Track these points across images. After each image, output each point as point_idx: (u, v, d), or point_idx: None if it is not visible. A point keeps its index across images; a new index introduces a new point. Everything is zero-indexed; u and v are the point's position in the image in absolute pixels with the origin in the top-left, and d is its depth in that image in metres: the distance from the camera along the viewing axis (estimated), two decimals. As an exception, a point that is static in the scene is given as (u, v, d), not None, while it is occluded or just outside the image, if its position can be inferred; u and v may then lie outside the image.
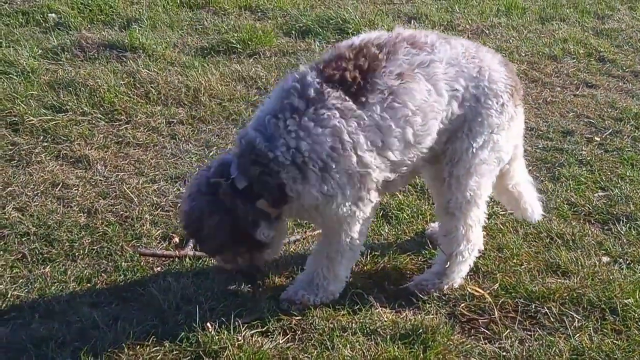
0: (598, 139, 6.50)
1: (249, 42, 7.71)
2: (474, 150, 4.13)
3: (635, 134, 6.60)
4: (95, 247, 4.69)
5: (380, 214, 5.17)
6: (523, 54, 8.18)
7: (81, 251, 4.65)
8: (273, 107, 3.91)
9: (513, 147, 4.39)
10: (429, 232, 4.98)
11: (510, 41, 8.46)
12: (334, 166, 3.84)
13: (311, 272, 4.29)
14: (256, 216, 3.94)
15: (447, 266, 4.41)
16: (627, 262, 4.83)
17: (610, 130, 6.64)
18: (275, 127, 3.84)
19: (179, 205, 4.59)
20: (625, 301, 4.38)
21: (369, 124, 3.86)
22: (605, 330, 4.22)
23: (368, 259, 4.68)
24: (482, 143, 4.13)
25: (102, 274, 4.45)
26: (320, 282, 4.25)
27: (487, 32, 8.66)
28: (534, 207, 4.78)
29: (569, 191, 5.62)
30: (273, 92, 4.07)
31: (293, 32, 8.18)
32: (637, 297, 4.41)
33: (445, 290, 4.45)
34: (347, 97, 3.84)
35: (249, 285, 4.33)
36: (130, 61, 7.08)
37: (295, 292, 4.28)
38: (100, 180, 5.40)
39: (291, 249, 4.79)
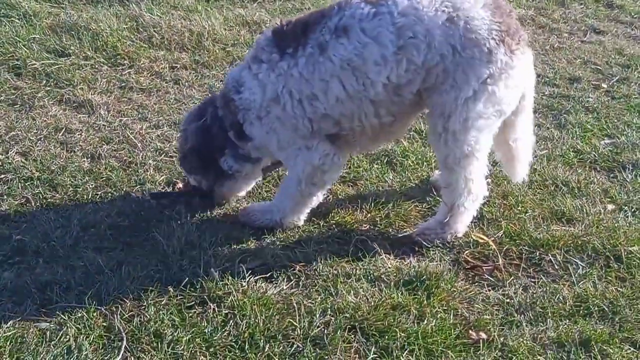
0: (605, 86, 6.46)
1: (253, -14, 7.64)
2: (463, 100, 4.04)
3: (643, 81, 6.55)
4: (99, 192, 4.68)
5: (385, 161, 5.16)
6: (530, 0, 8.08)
7: (85, 196, 4.64)
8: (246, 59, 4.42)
9: (518, 98, 4.27)
10: (433, 179, 4.95)
11: (518, -15, 8.36)
12: (264, 114, 4.22)
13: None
14: (225, 143, 4.43)
15: (449, 217, 4.40)
16: (632, 210, 4.81)
17: (618, 77, 6.59)
18: (239, 76, 4.33)
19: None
20: (630, 249, 4.38)
21: (293, 76, 4.11)
22: (609, 277, 4.22)
23: (372, 205, 4.66)
24: (472, 94, 4.04)
25: (106, 219, 4.44)
26: (271, 208, 4.50)
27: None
28: (521, 170, 4.70)
29: (575, 138, 5.59)
30: None
31: (298, -24, 8.08)
32: (641, 245, 4.41)
33: (449, 239, 4.45)
34: (274, 49, 4.17)
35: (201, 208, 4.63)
36: (133, 5, 7.01)
37: (250, 211, 4.54)
38: (103, 125, 5.37)
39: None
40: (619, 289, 4.13)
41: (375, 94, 4.09)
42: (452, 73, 4.03)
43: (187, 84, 5.98)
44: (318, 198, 4.46)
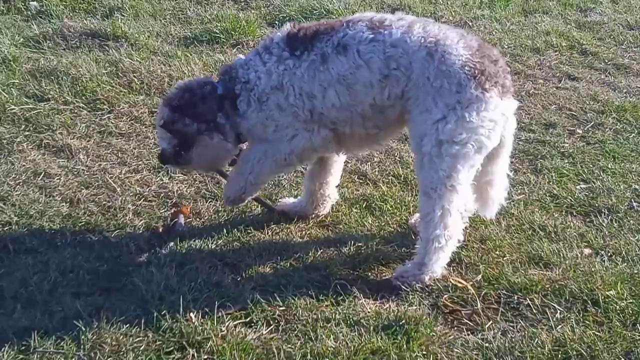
0: (580, 132, 6.53)
1: (232, 32, 7.70)
2: (433, 122, 4.23)
3: (617, 126, 6.64)
4: (77, 237, 4.67)
5: (364, 205, 5.19)
6: (506, 46, 8.20)
7: (63, 241, 4.63)
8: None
9: (497, 135, 4.37)
10: (412, 222, 4.99)
11: (493, 33, 8.48)
12: (264, 99, 4.47)
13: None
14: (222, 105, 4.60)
15: (426, 256, 4.43)
16: (609, 254, 4.85)
17: (592, 123, 6.68)
18: (247, 58, 4.58)
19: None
20: (607, 293, 4.40)
21: (296, 74, 4.41)
22: (587, 322, 4.23)
23: (351, 249, 4.69)
24: (441, 116, 4.22)
25: (85, 264, 4.42)
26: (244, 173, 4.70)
27: (470, 24, 8.68)
28: (491, 209, 4.83)
29: (551, 183, 5.65)
30: None
31: (276, 22, 8.16)
32: (618, 289, 4.43)
33: (427, 282, 4.46)
34: (286, 48, 4.45)
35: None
36: (113, 50, 7.04)
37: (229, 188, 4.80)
38: (82, 169, 5.37)
39: (274, 241, 4.77)
40: (596, 333, 4.15)
41: (362, 109, 4.43)
42: (422, 100, 4.29)
43: (166, 128, 5.99)
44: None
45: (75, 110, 6.10)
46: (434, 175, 4.28)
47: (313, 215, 5.04)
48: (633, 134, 6.53)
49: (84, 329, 3.88)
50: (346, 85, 4.37)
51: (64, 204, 4.98)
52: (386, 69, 4.31)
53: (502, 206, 4.90)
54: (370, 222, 5.02)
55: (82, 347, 3.79)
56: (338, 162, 5.05)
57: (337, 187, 5.14)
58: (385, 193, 5.34)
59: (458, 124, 4.21)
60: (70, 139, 5.70)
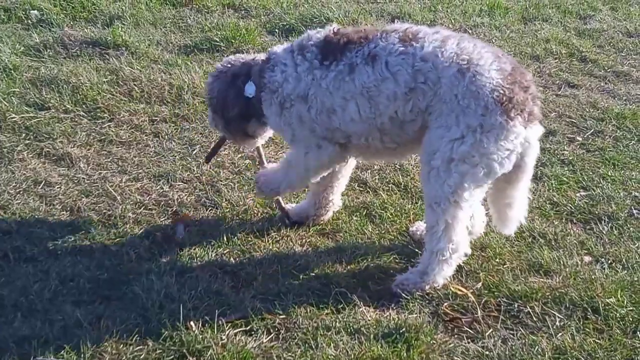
0: (580, 139, 6.54)
1: (233, 41, 7.71)
2: (449, 140, 4.21)
3: (617, 134, 6.64)
4: (77, 246, 4.67)
5: (364, 213, 5.20)
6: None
7: (64, 249, 4.63)
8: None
9: (511, 162, 4.32)
10: (412, 230, 5.00)
11: (493, 41, 8.47)
12: (288, 105, 4.51)
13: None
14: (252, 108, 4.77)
15: (429, 265, 4.45)
16: (609, 261, 4.86)
17: (592, 130, 6.68)
18: (275, 61, 4.60)
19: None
20: (607, 300, 4.41)
21: (321, 86, 4.41)
22: (587, 329, 4.24)
23: (351, 257, 4.70)
24: (459, 136, 4.19)
25: (85, 272, 4.42)
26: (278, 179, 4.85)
27: (470, 31, 8.67)
28: (510, 227, 4.74)
29: (551, 191, 5.65)
30: None
31: (276, 30, 8.17)
32: (618, 296, 4.44)
33: (427, 290, 4.47)
34: (318, 56, 4.44)
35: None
36: (113, 59, 7.05)
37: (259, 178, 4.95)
38: (82, 178, 5.37)
39: (274, 249, 4.78)
40: (596, 340, 4.16)
41: (381, 123, 4.39)
42: (445, 116, 4.24)
43: (167, 137, 6.01)
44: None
45: (76, 119, 6.11)
46: (439, 190, 4.28)
47: (314, 219, 5.06)
48: (633, 142, 6.53)
49: (84, 337, 3.89)
50: (368, 97, 4.33)
51: (64, 212, 4.99)
52: (413, 82, 4.26)
53: (521, 224, 4.82)
54: (370, 230, 5.02)
55: (82, 355, 3.79)
56: (346, 168, 5.04)
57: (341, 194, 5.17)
58: (386, 201, 5.34)
59: (473, 147, 4.18)
60: (71, 147, 5.71)
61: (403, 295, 4.42)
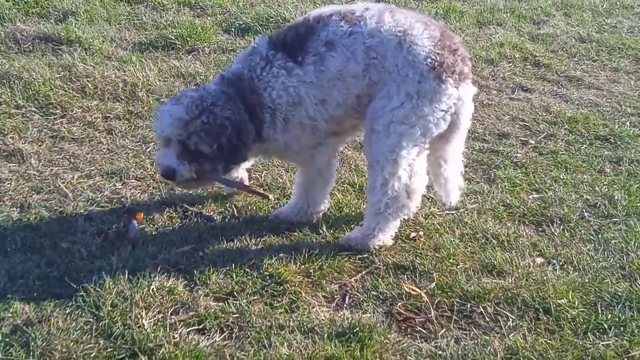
0: (533, 142, 6.60)
1: (188, 39, 7.66)
2: (390, 108, 4.50)
3: (569, 137, 6.73)
4: (27, 243, 4.59)
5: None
6: (460, 57, 8.24)
7: (13, 246, 4.55)
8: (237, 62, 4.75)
9: (446, 122, 4.62)
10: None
11: (448, 44, 8.52)
12: (291, 117, 4.61)
13: (296, 199, 5.11)
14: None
15: (372, 222, 4.76)
16: (561, 263, 4.90)
17: (545, 134, 6.75)
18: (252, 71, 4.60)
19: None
20: (559, 301, 4.45)
21: (309, 81, 4.54)
22: (539, 330, 4.27)
23: (306, 257, 4.67)
24: (399, 104, 4.49)
25: (35, 270, 4.35)
26: (302, 205, 5.04)
27: (425, 34, 8.70)
28: (452, 193, 5.10)
29: (504, 192, 5.70)
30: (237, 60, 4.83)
31: (232, 29, 8.14)
32: (570, 297, 4.48)
33: (374, 247, 4.78)
34: (289, 59, 4.54)
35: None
36: (66, 54, 6.96)
37: (283, 213, 5.08)
38: (34, 174, 5.29)
39: (228, 247, 4.74)
40: (548, 341, 4.19)
41: (351, 102, 4.65)
42: (388, 86, 4.53)
43: (120, 134, 5.94)
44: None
45: (27, 115, 6.01)
46: (378, 150, 4.58)
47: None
48: (585, 145, 6.62)
49: (33, 335, 3.82)
50: (343, 80, 4.55)
51: (14, 208, 4.91)
52: (367, 59, 4.51)
53: (461, 190, 5.13)
54: (324, 229, 5.00)
55: (31, 354, 3.72)
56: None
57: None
58: (341, 201, 5.34)
59: (411, 111, 4.50)
60: (22, 143, 5.62)
61: (350, 247, 4.78)
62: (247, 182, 5.25)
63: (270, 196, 5.07)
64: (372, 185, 4.71)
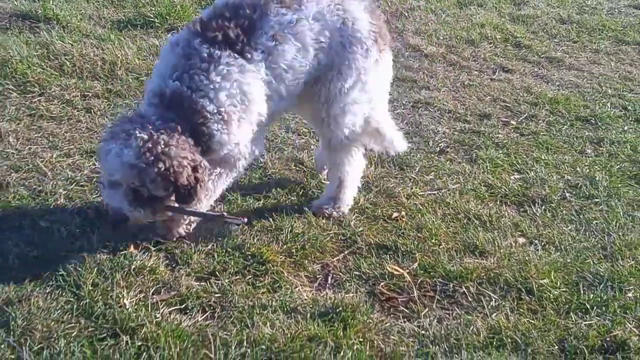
0: (514, 123, 6.61)
1: (167, 17, 7.60)
2: (346, 90, 4.58)
3: (550, 118, 6.74)
4: (6, 222, 4.53)
5: (301, 193, 5.17)
6: (441, 38, 8.24)
7: (-8, 225, 4.50)
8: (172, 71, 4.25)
9: (386, 90, 4.94)
10: (317, 154, 5.49)
11: (429, 24, 8.52)
12: (244, 116, 4.37)
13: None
14: None
15: (338, 191, 4.94)
16: (542, 243, 4.91)
17: (526, 115, 6.76)
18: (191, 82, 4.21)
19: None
20: (541, 281, 4.46)
21: (260, 77, 4.36)
22: (521, 309, 4.28)
23: (288, 236, 4.64)
24: (352, 84, 4.58)
25: (14, 249, 4.29)
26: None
27: (406, 14, 8.71)
28: (398, 141, 5.20)
29: (486, 173, 5.70)
30: (160, 62, 4.40)
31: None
32: (552, 277, 4.50)
33: (337, 214, 4.94)
34: (236, 55, 4.27)
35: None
36: (44, 32, 6.87)
37: None
38: (12, 153, 5.22)
39: (210, 227, 4.70)
40: (530, 320, 4.20)
41: (300, 90, 4.59)
42: (338, 66, 4.56)
43: (99, 112, 5.88)
44: None
45: (5, 93, 5.93)
46: (339, 133, 4.70)
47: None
48: (565, 126, 6.63)
49: (13, 314, 3.78)
50: (292, 71, 4.46)
51: (-8, 187, 4.84)
52: (316, 44, 4.48)
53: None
54: (306, 210, 4.98)
55: (12, 333, 3.68)
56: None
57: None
58: (322, 180, 5.31)
59: (362, 89, 4.63)
60: (0, 121, 5.54)
61: (320, 214, 4.91)
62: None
63: (245, 219, 4.50)
64: (337, 164, 4.90)
